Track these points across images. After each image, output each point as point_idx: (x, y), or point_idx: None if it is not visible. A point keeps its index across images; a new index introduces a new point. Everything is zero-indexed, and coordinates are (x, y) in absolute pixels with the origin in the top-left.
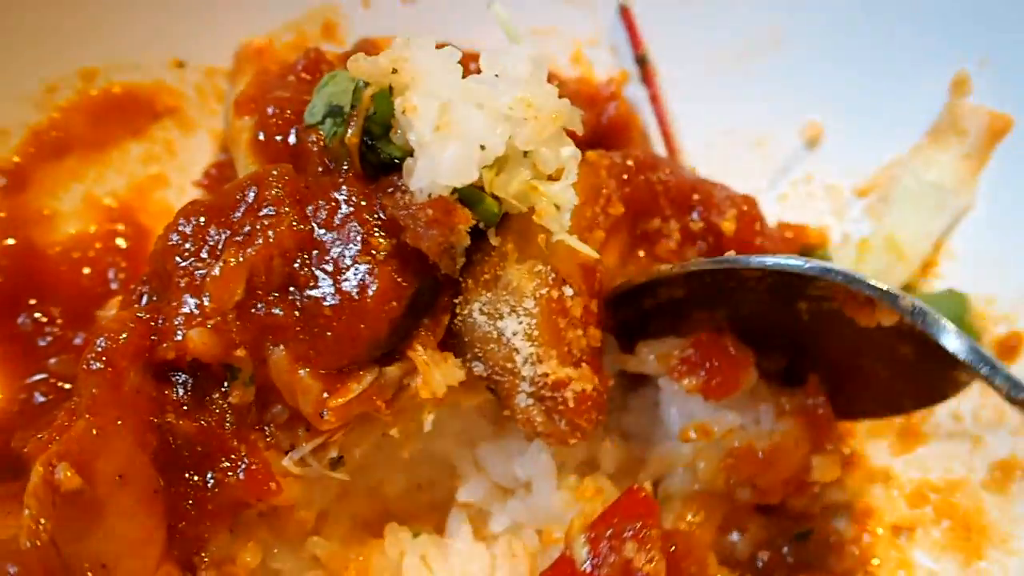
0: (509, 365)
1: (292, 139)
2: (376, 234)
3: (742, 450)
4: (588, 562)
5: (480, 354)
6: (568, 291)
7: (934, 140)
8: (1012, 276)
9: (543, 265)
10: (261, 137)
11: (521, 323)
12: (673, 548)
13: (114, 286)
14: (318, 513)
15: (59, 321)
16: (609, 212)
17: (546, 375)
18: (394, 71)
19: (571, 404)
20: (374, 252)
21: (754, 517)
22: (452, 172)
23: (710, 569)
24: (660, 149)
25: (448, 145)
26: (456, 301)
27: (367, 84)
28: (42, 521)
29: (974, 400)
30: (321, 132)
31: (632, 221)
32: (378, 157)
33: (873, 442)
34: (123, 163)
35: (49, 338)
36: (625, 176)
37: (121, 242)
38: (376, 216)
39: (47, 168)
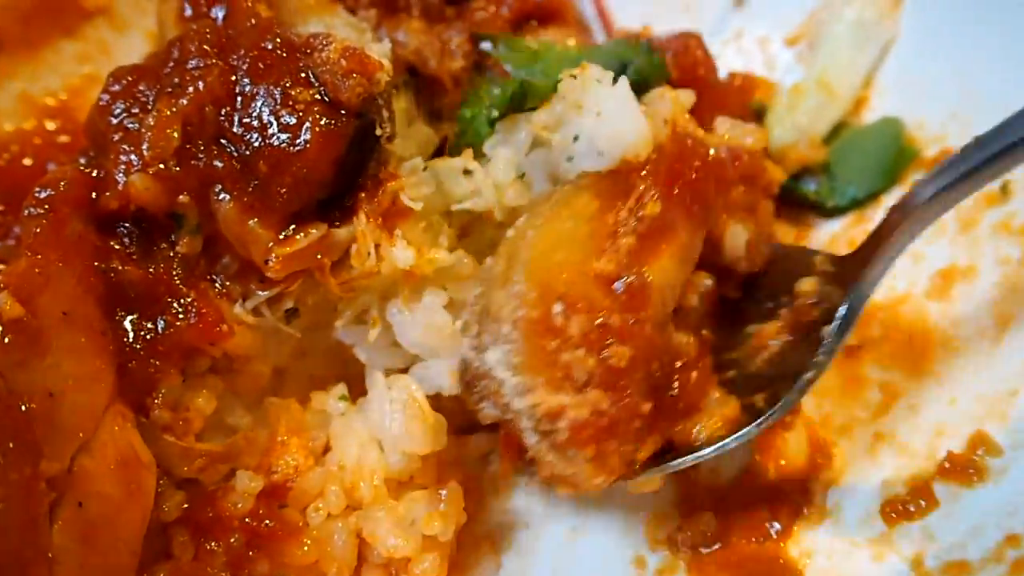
0: (504, 401)
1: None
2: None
3: None
4: None
5: (482, 393)
6: (557, 308)
7: None
8: (938, 98)
9: (523, 284)
10: (188, 12)
11: (500, 351)
12: None
13: None
14: (276, 371)
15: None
16: (643, 215)
17: (535, 406)
18: None
19: (566, 435)
20: (307, 98)
21: None
22: None
23: None
24: (596, 26)
25: None
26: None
27: None
28: None
29: None
30: None
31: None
32: None
33: None
34: (57, 62)
35: None
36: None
37: (63, 139)
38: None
39: None
